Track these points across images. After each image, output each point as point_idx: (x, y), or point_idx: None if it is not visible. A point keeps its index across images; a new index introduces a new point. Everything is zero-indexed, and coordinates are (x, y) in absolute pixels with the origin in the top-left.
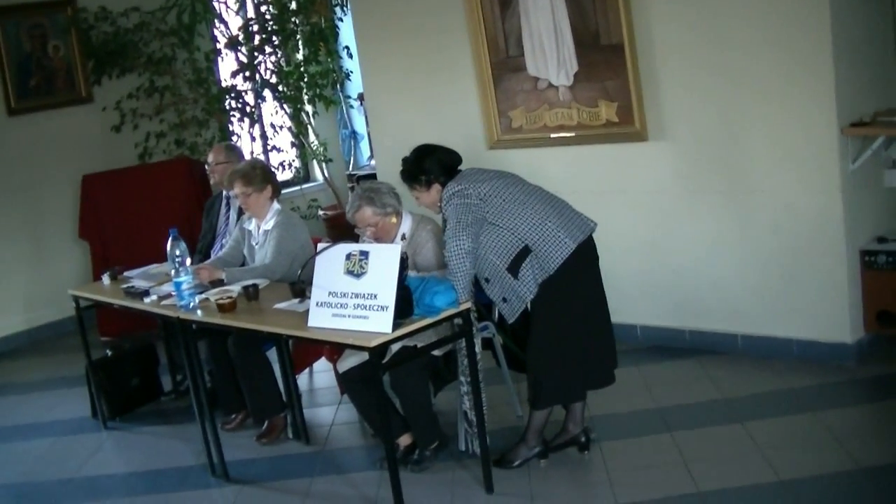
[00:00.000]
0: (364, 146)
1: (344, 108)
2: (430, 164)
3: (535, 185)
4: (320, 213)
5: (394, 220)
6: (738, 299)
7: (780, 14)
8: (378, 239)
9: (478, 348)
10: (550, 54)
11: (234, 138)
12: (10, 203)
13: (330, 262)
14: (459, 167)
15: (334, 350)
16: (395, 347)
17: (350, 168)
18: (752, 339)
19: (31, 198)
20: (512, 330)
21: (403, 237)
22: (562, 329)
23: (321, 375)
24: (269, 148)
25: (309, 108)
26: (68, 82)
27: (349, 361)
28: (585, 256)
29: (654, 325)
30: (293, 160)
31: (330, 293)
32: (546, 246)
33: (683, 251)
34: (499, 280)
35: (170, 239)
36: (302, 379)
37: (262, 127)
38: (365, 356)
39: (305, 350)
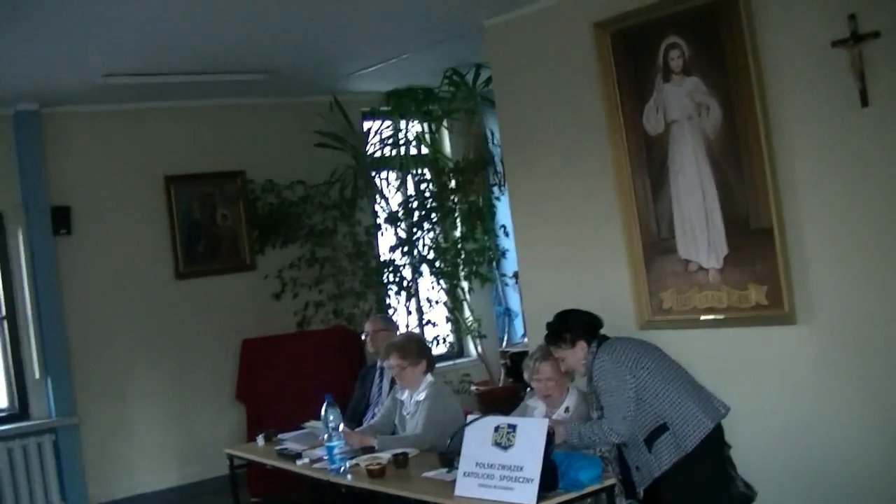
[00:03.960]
0: (518, 323)
1: (499, 285)
2: (573, 323)
3: (674, 361)
4: (472, 387)
5: (567, 384)
6: (885, 490)
7: None
8: (548, 397)
9: None
10: (701, 237)
11: (391, 311)
12: (171, 362)
13: (479, 433)
14: (601, 329)
15: None
16: None
17: (503, 345)
18: None
19: (191, 358)
20: None
21: (567, 409)
22: None
23: None
24: (424, 322)
25: (465, 284)
26: (233, 249)
27: None
28: (716, 440)
29: None
30: (447, 335)
31: (477, 464)
32: (684, 425)
33: (826, 438)
34: (635, 448)
35: (325, 404)
36: None
37: (418, 301)
38: None
39: None
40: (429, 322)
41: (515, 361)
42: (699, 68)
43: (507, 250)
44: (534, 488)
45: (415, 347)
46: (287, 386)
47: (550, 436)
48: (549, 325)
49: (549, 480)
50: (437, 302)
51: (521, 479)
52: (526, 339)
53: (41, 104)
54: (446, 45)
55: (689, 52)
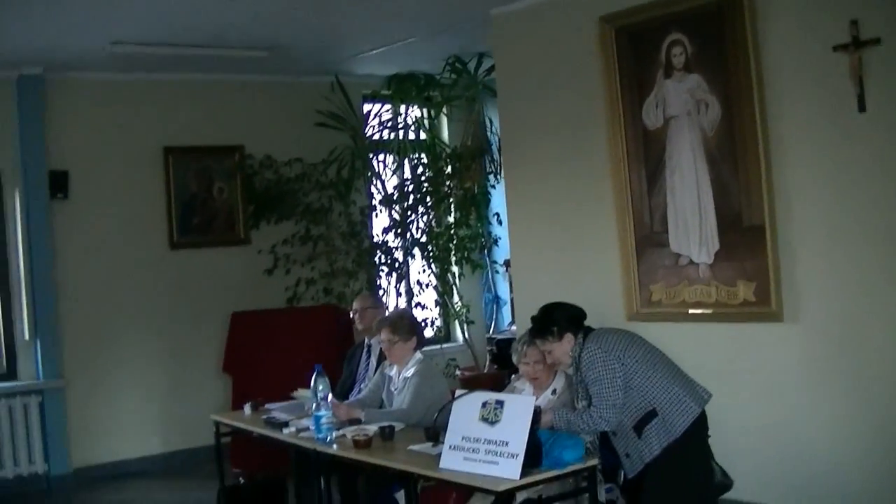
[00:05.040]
0: (506, 311)
1: (489, 272)
2: (559, 316)
3: (658, 349)
4: (458, 372)
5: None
6: (859, 488)
7: None
8: (536, 380)
9: None
10: (693, 232)
11: (381, 292)
12: (161, 330)
13: (466, 407)
14: (585, 321)
15: (461, 498)
16: (519, 497)
17: (490, 332)
18: None
19: (181, 327)
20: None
21: (554, 392)
22: (674, 498)
23: None
24: (413, 304)
25: (455, 269)
26: (228, 223)
27: None
28: (702, 425)
29: None
30: (436, 318)
31: (463, 437)
32: (673, 410)
33: (806, 435)
34: (624, 436)
35: (315, 374)
36: None
37: (409, 283)
38: (491, 500)
39: (433, 496)
40: (418, 305)
41: (501, 349)
42: (701, 66)
43: (500, 238)
44: (518, 464)
45: (406, 324)
46: (274, 361)
47: (537, 414)
48: (534, 319)
49: (534, 457)
50: (427, 285)
51: (506, 455)
52: (513, 327)
53: (45, 68)
54: (450, 33)
55: (691, 49)
